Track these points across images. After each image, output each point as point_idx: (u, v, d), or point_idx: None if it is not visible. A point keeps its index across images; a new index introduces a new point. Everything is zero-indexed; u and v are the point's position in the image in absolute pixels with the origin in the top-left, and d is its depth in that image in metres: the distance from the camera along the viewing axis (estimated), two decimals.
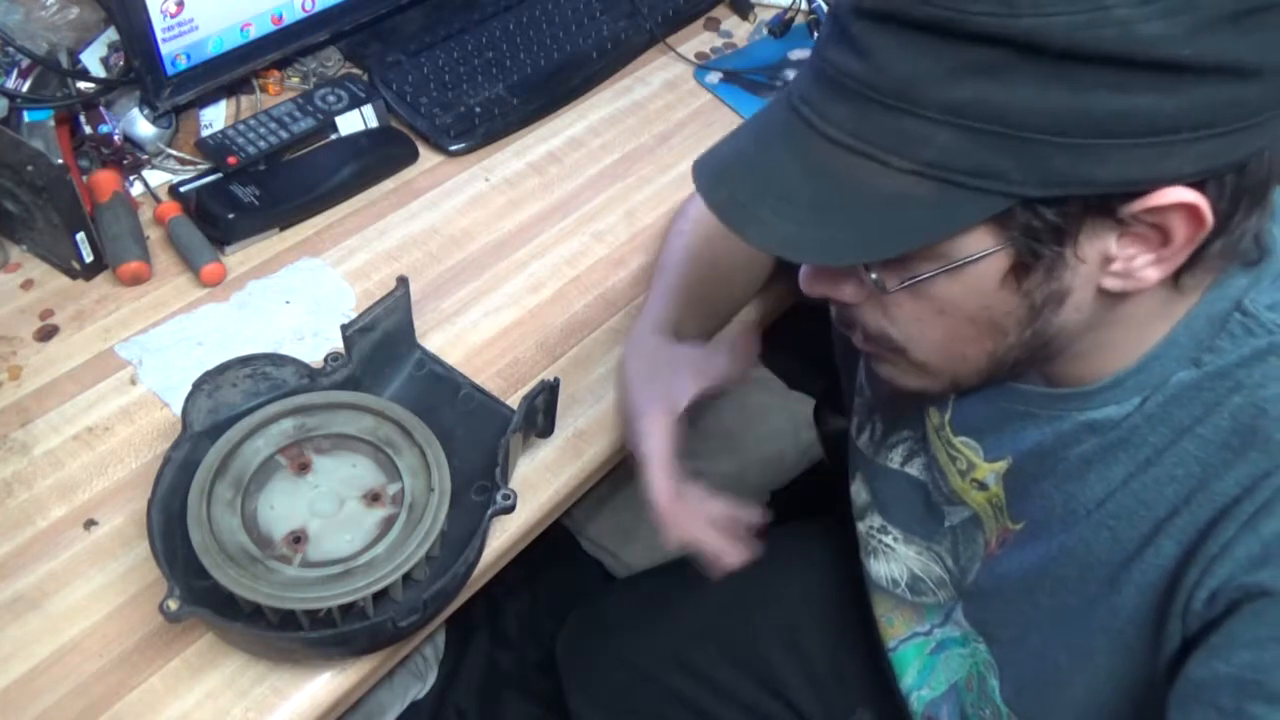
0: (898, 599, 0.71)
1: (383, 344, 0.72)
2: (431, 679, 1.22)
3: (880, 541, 0.71)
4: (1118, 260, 0.45)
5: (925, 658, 0.70)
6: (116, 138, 0.85)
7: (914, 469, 0.68)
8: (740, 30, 1.14)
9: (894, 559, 0.70)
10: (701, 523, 0.68)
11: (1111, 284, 0.46)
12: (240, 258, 0.83)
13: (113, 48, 0.87)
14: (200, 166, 0.88)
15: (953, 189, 0.42)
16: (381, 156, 0.92)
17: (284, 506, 0.64)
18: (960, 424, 0.62)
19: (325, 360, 0.70)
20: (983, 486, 0.61)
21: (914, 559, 0.69)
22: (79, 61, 0.85)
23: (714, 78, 1.06)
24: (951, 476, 0.63)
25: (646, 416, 0.68)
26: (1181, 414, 0.51)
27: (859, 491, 0.74)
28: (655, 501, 0.67)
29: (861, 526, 0.73)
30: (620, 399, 0.75)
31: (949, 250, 0.45)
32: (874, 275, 0.48)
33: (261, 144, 0.87)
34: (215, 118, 0.93)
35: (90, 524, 0.67)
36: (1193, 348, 0.50)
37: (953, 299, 0.48)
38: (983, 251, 0.45)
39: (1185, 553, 0.49)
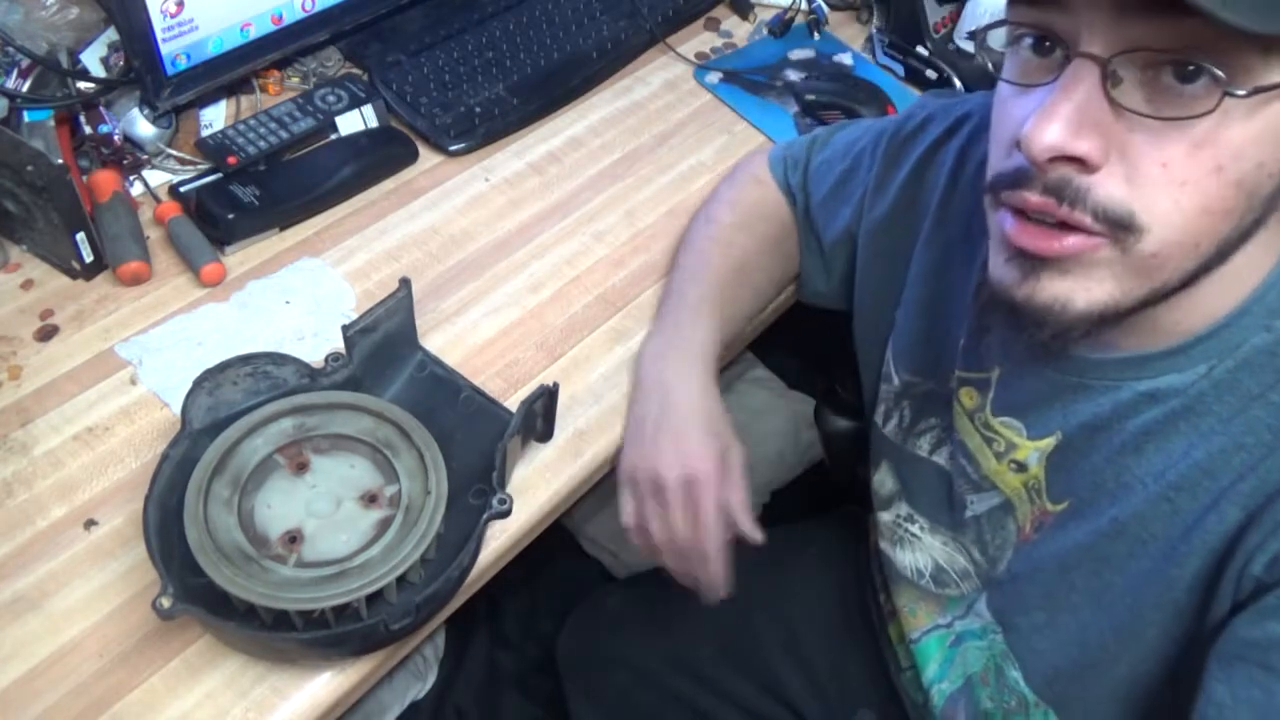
0: (921, 590, 0.71)
1: (384, 345, 0.72)
2: (431, 679, 1.22)
3: (907, 531, 0.70)
4: None
5: (946, 650, 0.70)
6: (116, 138, 0.85)
7: (940, 458, 0.67)
8: (740, 30, 1.14)
9: (920, 549, 0.70)
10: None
11: None
12: (240, 258, 0.83)
13: (113, 48, 0.87)
14: (200, 166, 0.88)
15: None
16: (381, 156, 0.92)
17: (281, 506, 0.64)
18: (1002, 404, 0.60)
19: (326, 360, 0.70)
20: (1021, 468, 0.60)
21: (939, 549, 0.68)
22: (79, 61, 0.85)
23: (714, 78, 1.06)
24: (985, 460, 0.62)
25: (699, 458, 0.67)
26: (1251, 381, 0.50)
27: (884, 480, 0.73)
28: (708, 557, 0.68)
29: (887, 516, 0.73)
30: (664, 427, 0.70)
31: (1270, 68, 0.41)
32: (1219, 72, 0.41)
33: (261, 144, 0.87)
34: (215, 118, 0.93)
35: (90, 524, 0.67)
36: (1265, 315, 0.50)
37: (1240, 146, 0.43)
38: None
39: (1248, 517, 0.49)
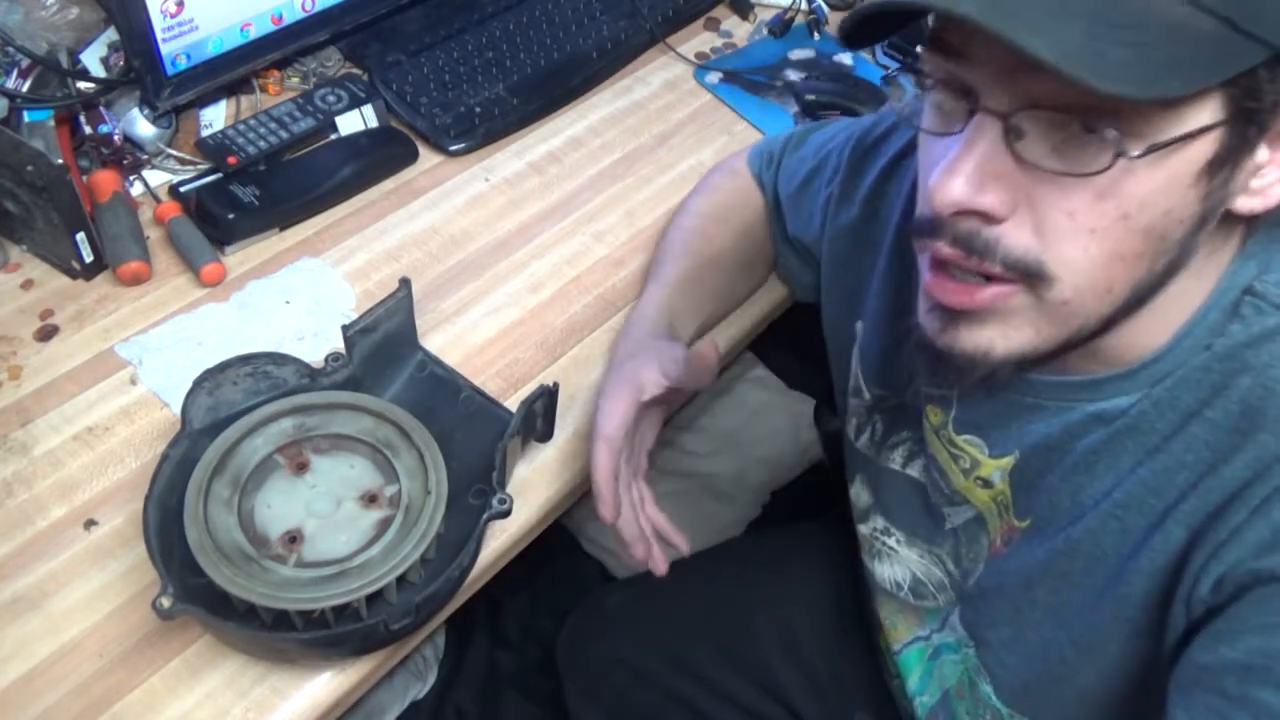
0: (900, 602, 0.71)
1: (384, 345, 0.72)
2: (431, 679, 1.22)
3: (883, 544, 0.71)
4: (1260, 172, 0.45)
5: (925, 663, 0.70)
6: (116, 138, 0.85)
7: (914, 470, 0.67)
8: (740, 30, 1.14)
9: (897, 561, 0.70)
10: (632, 515, 0.66)
11: (1243, 203, 0.46)
12: (240, 258, 0.83)
13: (113, 48, 0.87)
14: (200, 166, 0.88)
15: (1227, 30, 0.40)
16: (381, 156, 0.92)
17: (281, 506, 0.64)
18: (963, 422, 0.61)
19: (326, 360, 0.70)
20: (988, 484, 0.60)
21: (916, 562, 0.68)
22: (79, 61, 0.85)
23: (714, 78, 1.06)
24: (954, 476, 0.63)
25: (609, 397, 0.66)
26: (1189, 398, 0.50)
27: (859, 494, 0.73)
28: (594, 476, 0.64)
29: (864, 529, 0.73)
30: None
31: (1173, 121, 0.42)
32: (1112, 133, 0.42)
33: (261, 144, 0.87)
34: (215, 118, 0.93)
35: (90, 524, 0.67)
36: (1205, 335, 0.50)
37: (1145, 196, 0.44)
38: (1204, 125, 0.42)
39: (1192, 537, 0.49)
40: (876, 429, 0.70)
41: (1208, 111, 0.42)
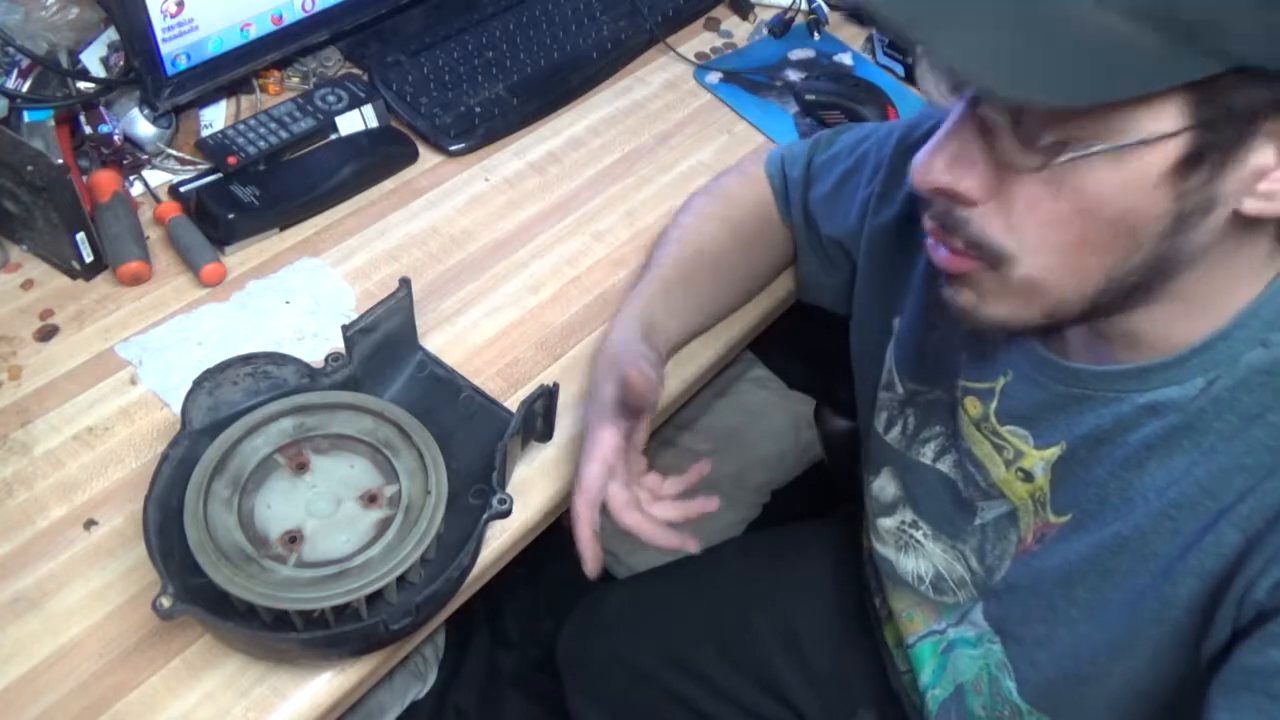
0: (920, 596, 0.71)
1: (384, 345, 0.72)
2: (431, 679, 1.22)
3: (911, 536, 0.71)
4: (1268, 177, 0.44)
5: (938, 657, 0.70)
6: (116, 138, 0.85)
7: (944, 465, 0.67)
8: (740, 30, 1.14)
9: (922, 555, 0.70)
10: (641, 519, 0.67)
11: (1251, 206, 0.45)
12: (240, 258, 0.83)
13: (113, 48, 0.87)
14: (200, 166, 0.88)
15: (1168, 39, 0.40)
16: (381, 156, 0.92)
17: (281, 506, 0.64)
18: (1008, 413, 0.61)
19: (326, 360, 0.70)
20: (1028, 477, 0.60)
21: (940, 556, 0.68)
22: (79, 61, 0.85)
23: (714, 78, 1.06)
24: (994, 468, 0.62)
25: (587, 439, 0.67)
26: (1251, 400, 0.50)
27: (885, 487, 0.73)
28: (575, 531, 0.66)
29: (889, 521, 0.73)
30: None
31: (1126, 125, 0.42)
32: (1049, 139, 0.43)
33: (261, 144, 0.87)
34: (215, 118, 0.93)
35: (90, 524, 0.67)
36: (1261, 329, 0.50)
37: (1102, 194, 0.44)
38: (1164, 132, 0.42)
39: (1248, 540, 0.49)
40: (909, 423, 0.70)
41: (1167, 118, 0.42)
